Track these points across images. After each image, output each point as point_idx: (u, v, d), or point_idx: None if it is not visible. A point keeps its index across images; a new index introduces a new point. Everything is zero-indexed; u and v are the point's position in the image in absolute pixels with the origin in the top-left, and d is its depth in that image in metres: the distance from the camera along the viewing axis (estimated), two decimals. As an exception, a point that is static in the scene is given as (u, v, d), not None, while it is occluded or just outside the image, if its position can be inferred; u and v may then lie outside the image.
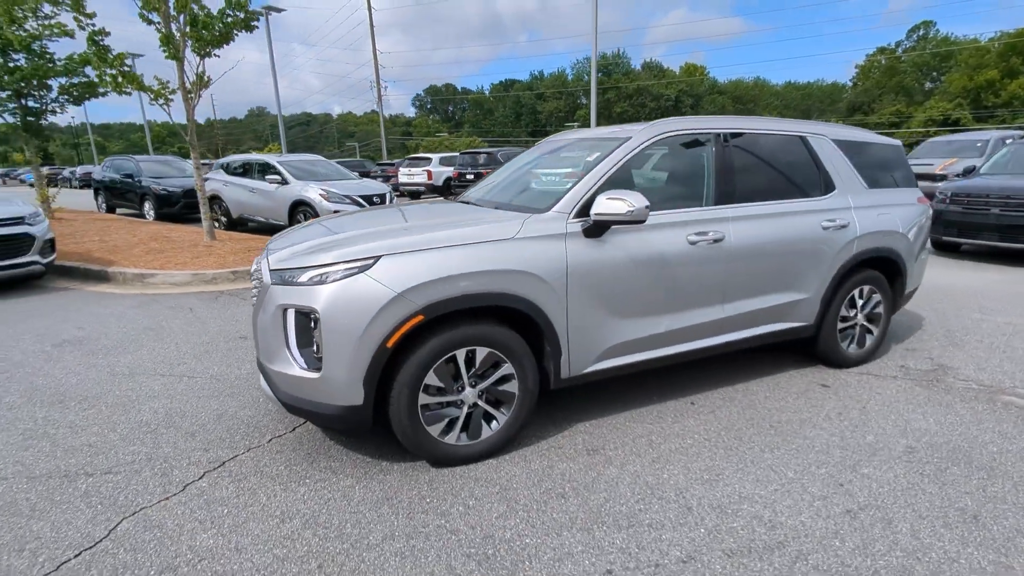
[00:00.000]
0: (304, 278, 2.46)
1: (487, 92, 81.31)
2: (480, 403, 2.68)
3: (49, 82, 11.90)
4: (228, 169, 11.89)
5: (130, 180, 13.72)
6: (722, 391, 3.49)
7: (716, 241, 3.11)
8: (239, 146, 69.50)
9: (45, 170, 21.16)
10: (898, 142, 4.29)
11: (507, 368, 2.68)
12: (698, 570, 1.96)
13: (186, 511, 2.31)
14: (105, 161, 15.91)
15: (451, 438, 2.64)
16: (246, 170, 11.45)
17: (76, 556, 2.04)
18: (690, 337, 3.19)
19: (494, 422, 2.73)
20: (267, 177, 10.44)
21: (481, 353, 2.60)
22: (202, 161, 10.35)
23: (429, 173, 19.01)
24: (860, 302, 3.82)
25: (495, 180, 4.03)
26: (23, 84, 12.01)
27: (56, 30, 11.07)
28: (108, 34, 8.62)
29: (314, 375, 2.43)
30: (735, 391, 3.49)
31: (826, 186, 3.63)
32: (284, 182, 10.18)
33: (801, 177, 3.59)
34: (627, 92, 61.41)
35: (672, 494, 2.42)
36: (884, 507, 2.31)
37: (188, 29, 7.98)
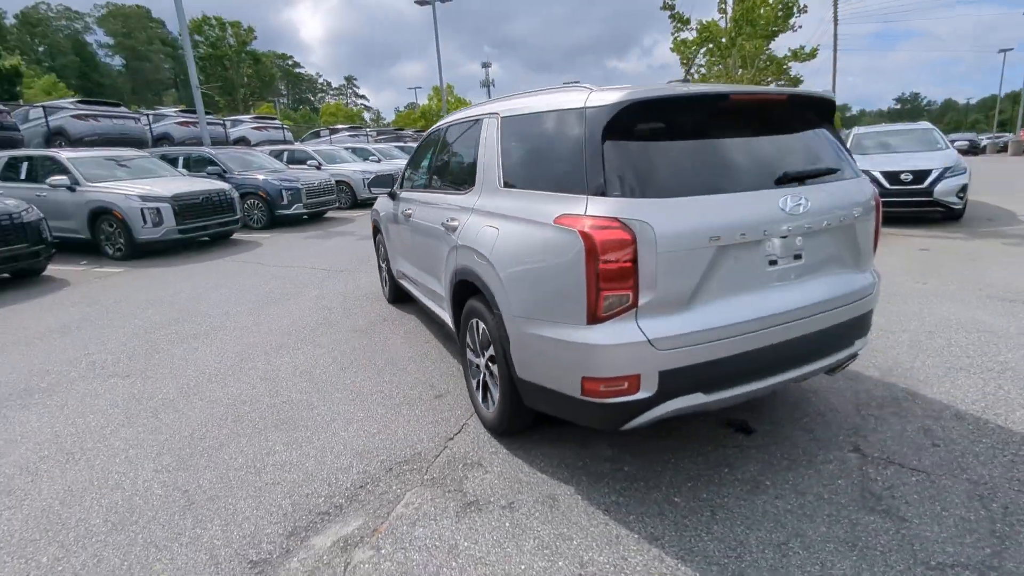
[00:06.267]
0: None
1: None
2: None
3: None
4: None
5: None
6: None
7: (407, 217, 3.94)
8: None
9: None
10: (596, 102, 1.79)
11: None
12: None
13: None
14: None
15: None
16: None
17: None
18: (423, 291, 4.17)
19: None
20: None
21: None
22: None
23: None
24: (478, 340, 2.75)
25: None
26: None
27: None
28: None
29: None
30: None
31: (473, 179, 2.87)
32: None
33: (464, 167, 3.06)
34: None
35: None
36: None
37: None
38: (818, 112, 2.45)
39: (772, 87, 2.27)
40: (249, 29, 30.83)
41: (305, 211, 10.89)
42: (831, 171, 2.28)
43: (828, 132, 2.46)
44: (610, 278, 1.87)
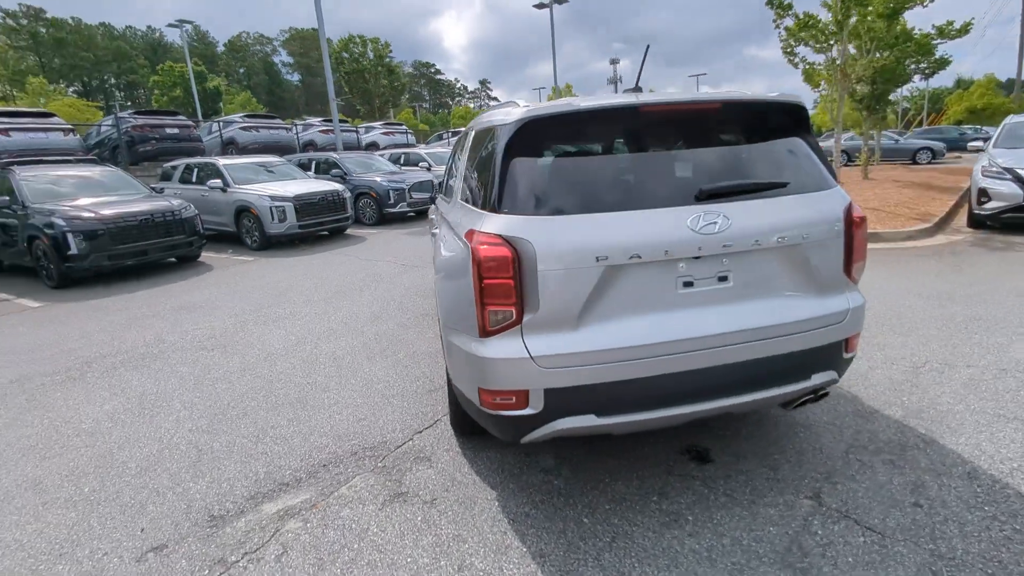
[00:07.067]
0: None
1: None
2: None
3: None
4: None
5: None
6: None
7: (431, 222, 4.20)
8: None
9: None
10: (515, 117, 1.76)
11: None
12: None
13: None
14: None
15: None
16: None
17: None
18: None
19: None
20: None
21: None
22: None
23: None
24: (446, 343, 2.90)
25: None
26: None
27: None
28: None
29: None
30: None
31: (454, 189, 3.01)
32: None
33: (453, 177, 3.20)
34: None
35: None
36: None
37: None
38: (786, 118, 2.18)
39: (708, 93, 1.98)
40: (386, 44, 34.03)
41: (409, 209, 11.80)
42: (775, 185, 2.02)
43: (800, 140, 2.18)
44: (493, 294, 1.91)
